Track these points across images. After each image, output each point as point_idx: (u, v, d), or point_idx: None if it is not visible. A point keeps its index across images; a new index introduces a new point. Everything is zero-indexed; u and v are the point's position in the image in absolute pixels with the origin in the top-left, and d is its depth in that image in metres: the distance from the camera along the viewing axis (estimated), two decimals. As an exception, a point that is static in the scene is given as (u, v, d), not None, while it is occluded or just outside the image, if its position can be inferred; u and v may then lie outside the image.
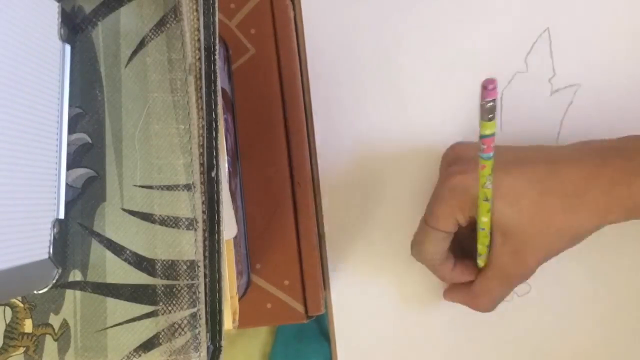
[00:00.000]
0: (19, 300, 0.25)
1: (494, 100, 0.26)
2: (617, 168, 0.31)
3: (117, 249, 0.25)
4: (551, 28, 0.40)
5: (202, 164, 0.25)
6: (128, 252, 0.24)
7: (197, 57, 0.25)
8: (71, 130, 0.25)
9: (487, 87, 0.25)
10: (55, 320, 0.25)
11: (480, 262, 0.35)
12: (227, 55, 0.38)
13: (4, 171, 0.20)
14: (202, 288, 0.24)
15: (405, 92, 0.41)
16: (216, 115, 0.25)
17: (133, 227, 0.25)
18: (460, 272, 0.36)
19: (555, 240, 0.32)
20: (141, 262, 0.24)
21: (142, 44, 0.25)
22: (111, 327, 0.24)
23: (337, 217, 0.40)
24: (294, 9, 0.41)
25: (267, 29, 0.39)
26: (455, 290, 0.37)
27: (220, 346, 0.25)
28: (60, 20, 0.25)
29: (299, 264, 0.38)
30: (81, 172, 0.25)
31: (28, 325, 0.25)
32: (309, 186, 0.39)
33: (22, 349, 0.25)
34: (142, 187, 0.25)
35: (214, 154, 0.25)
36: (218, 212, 0.25)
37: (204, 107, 0.25)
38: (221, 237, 0.25)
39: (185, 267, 0.24)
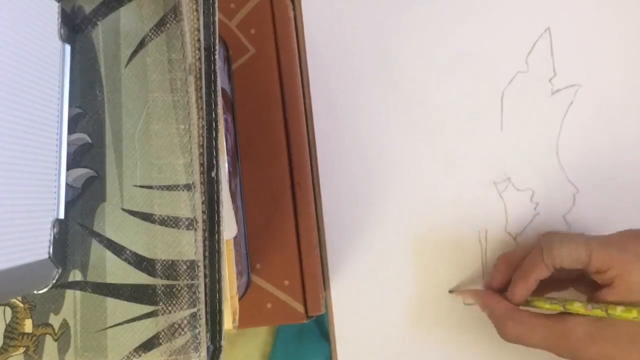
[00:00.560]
0: (19, 300, 0.25)
1: None
2: None
3: (117, 249, 0.25)
4: (552, 28, 0.40)
5: (202, 164, 0.25)
6: (128, 252, 0.24)
7: (197, 57, 0.25)
8: (71, 130, 0.25)
9: None
10: (55, 320, 0.25)
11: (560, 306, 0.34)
12: (227, 55, 0.38)
13: (4, 171, 0.20)
14: (202, 288, 0.24)
15: (405, 92, 0.41)
16: (216, 115, 0.25)
17: (133, 227, 0.25)
18: (533, 285, 0.34)
19: None
20: (141, 262, 0.24)
21: (142, 44, 0.25)
22: (111, 327, 0.24)
23: (337, 217, 0.40)
24: (294, 9, 0.41)
25: (267, 29, 0.39)
26: (491, 299, 0.36)
27: (220, 346, 0.25)
28: (60, 20, 0.25)
29: (299, 264, 0.38)
30: (81, 172, 0.25)
31: (28, 325, 0.25)
32: (309, 186, 0.39)
33: (22, 349, 0.25)
34: (142, 187, 0.25)
35: (214, 154, 0.25)
36: (218, 212, 0.25)
37: (204, 107, 0.25)
38: (221, 237, 0.25)
39: (185, 267, 0.24)
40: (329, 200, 0.40)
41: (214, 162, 0.25)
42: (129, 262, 0.24)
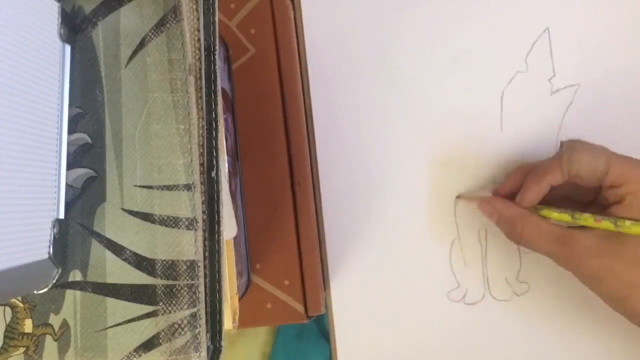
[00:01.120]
0: (19, 300, 0.25)
1: None
2: None
3: (117, 249, 0.25)
4: (551, 28, 0.40)
5: (202, 164, 0.25)
6: (128, 252, 0.24)
7: (197, 57, 0.25)
8: (71, 130, 0.25)
9: None
10: (55, 320, 0.25)
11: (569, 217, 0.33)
12: (227, 55, 0.38)
13: (4, 171, 0.20)
14: (202, 288, 0.24)
15: (405, 92, 0.41)
16: (216, 115, 0.25)
17: (133, 227, 0.25)
18: (545, 188, 0.34)
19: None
20: (141, 262, 0.24)
21: (142, 44, 0.25)
22: (111, 327, 0.24)
23: (337, 217, 0.40)
24: (294, 9, 0.41)
25: (267, 29, 0.39)
26: (507, 206, 0.35)
27: (220, 346, 0.25)
28: (60, 20, 0.25)
29: (299, 264, 0.38)
30: (81, 172, 0.25)
31: (28, 325, 0.25)
32: (309, 186, 0.39)
33: (22, 349, 0.25)
34: (142, 187, 0.25)
35: (214, 154, 0.25)
36: (218, 212, 0.25)
37: (204, 107, 0.25)
38: (221, 237, 0.25)
39: (185, 267, 0.24)
40: (329, 200, 0.40)
41: (214, 162, 0.25)
42: (129, 262, 0.24)
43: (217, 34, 0.26)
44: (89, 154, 0.25)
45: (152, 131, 0.25)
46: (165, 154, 0.25)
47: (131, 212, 0.25)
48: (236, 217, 0.32)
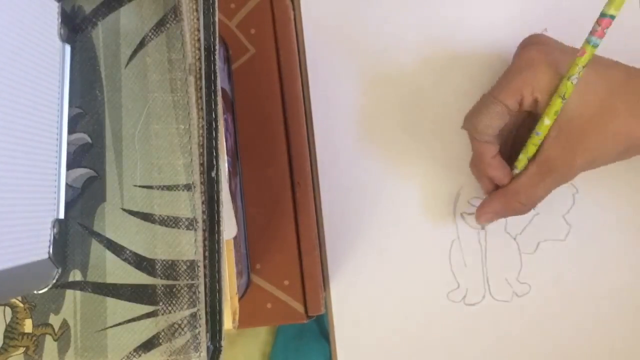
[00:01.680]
0: (19, 300, 0.25)
1: None
2: None
3: (117, 249, 0.25)
4: (550, 28, 0.40)
5: (202, 164, 0.25)
6: (128, 252, 0.24)
7: (197, 57, 0.25)
8: (71, 130, 0.25)
9: None
10: (55, 320, 0.25)
11: (516, 170, 0.35)
12: (227, 55, 0.38)
13: (4, 171, 0.20)
14: (202, 288, 0.24)
15: (404, 92, 0.41)
16: (216, 115, 0.25)
17: (133, 227, 0.25)
18: (498, 164, 0.35)
19: (609, 144, 0.32)
20: (141, 262, 0.24)
21: (142, 44, 0.25)
22: (111, 327, 0.24)
23: (337, 217, 0.40)
24: (293, 9, 0.41)
25: (267, 29, 0.39)
26: (489, 201, 0.36)
27: (220, 346, 0.25)
28: (60, 20, 0.25)
29: (299, 264, 0.38)
30: (81, 172, 0.25)
31: (28, 325, 0.25)
32: (309, 186, 0.39)
33: (22, 349, 0.25)
34: (142, 187, 0.25)
35: (214, 154, 0.25)
36: (218, 212, 0.25)
37: (204, 107, 0.25)
38: (221, 237, 0.25)
39: (185, 267, 0.24)
40: (329, 200, 0.40)
41: (214, 162, 0.25)
42: (129, 262, 0.24)
43: (217, 34, 0.26)
44: (89, 154, 0.25)
45: (152, 131, 0.25)
46: (165, 154, 0.25)
47: (131, 212, 0.25)
48: (236, 217, 0.32)
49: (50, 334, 0.25)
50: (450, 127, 0.40)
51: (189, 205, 0.24)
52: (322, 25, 0.41)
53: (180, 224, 0.24)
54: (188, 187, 0.24)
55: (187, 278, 0.24)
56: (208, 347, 0.24)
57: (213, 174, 0.25)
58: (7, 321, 0.25)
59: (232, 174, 0.35)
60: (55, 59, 0.24)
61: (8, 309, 0.25)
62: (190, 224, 0.24)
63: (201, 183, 0.25)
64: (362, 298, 0.40)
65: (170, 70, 0.25)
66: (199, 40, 0.25)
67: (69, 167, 0.25)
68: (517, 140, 0.36)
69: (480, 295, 0.39)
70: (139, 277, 0.24)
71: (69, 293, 0.25)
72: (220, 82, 0.26)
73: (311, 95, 0.41)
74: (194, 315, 0.24)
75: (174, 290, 0.24)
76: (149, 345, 0.24)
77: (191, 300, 0.24)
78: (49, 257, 0.23)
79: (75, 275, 0.25)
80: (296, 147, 0.39)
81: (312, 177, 0.40)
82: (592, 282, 0.39)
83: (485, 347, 0.39)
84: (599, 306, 0.39)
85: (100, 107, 0.25)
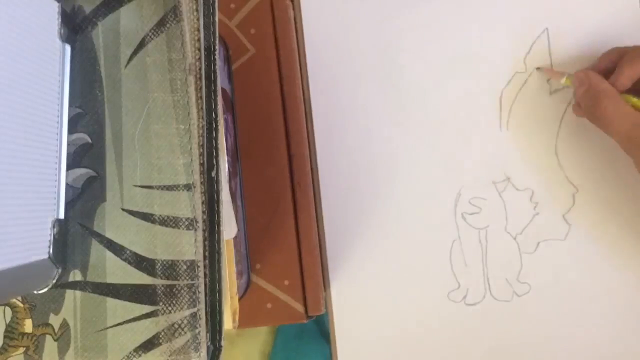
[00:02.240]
0: (19, 300, 0.25)
1: None
2: None
3: (117, 249, 0.25)
4: (550, 29, 0.40)
5: (202, 164, 0.25)
6: (128, 252, 0.24)
7: (197, 57, 0.25)
8: (71, 130, 0.25)
9: None
10: (55, 320, 0.25)
11: None
12: (227, 55, 0.38)
13: (4, 171, 0.20)
14: (202, 288, 0.24)
15: (405, 92, 0.41)
16: (216, 115, 0.25)
17: (133, 227, 0.25)
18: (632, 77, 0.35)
19: None
20: (141, 262, 0.24)
21: (142, 44, 0.25)
22: (111, 327, 0.24)
23: (337, 217, 0.40)
24: (293, 9, 0.41)
25: (267, 29, 0.39)
26: (601, 79, 0.36)
27: (220, 346, 0.25)
28: (60, 20, 0.25)
29: (299, 264, 0.38)
30: (81, 172, 0.25)
31: (28, 325, 0.25)
32: (309, 186, 0.39)
33: (22, 349, 0.25)
34: (142, 187, 0.25)
35: (214, 154, 0.25)
36: (218, 212, 0.25)
37: (204, 107, 0.25)
38: (221, 237, 0.25)
39: (185, 267, 0.24)
40: (329, 200, 0.40)
41: (214, 162, 0.25)
42: (129, 262, 0.24)
43: (217, 34, 0.26)
44: (89, 154, 0.25)
45: (152, 131, 0.25)
46: (165, 154, 0.25)
47: (131, 212, 0.25)
48: (236, 217, 0.32)
49: (50, 334, 0.25)
50: (450, 127, 0.40)
51: (189, 205, 0.24)
52: (322, 25, 0.41)
53: (180, 224, 0.24)
54: (188, 187, 0.24)
55: (187, 278, 0.24)
56: (208, 347, 0.24)
57: (213, 174, 0.25)
58: (7, 321, 0.25)
59: (232, 174, 0.35)
60: (55, 59, 0.24)
61: (8, 309, 0.25)
62: (190, 224, 0.24)
63: (201, 183, 0.25)
64: (362, 298, 0.40)
65: (170, 70, 0.25)
66: (199, 40, 0.25)
67: (69, 167, 0.25)
68: None
69: (481, 295, 0.39)
70: (139, 277, 0.24)
71: (69, 293, 0.25)
72: (220, 82, 0.26)
73: (311, 95, 0.41)
74: (194, 315, 0.24)
75: (174, 290, 0.24)
76: (149, 345, 0.24)
77: (191, 300, 0.24)
78: (49, 257, 0.23)
79: (75, 275, 0.25)
80: (296, 147, 0.39)
81: (312, 177, 0.40)
82: (592, 282, 0.39)
83: (485, 346, 0.39)
84: (599, 306, 0.39)
85: (100, 107, 0.25)
